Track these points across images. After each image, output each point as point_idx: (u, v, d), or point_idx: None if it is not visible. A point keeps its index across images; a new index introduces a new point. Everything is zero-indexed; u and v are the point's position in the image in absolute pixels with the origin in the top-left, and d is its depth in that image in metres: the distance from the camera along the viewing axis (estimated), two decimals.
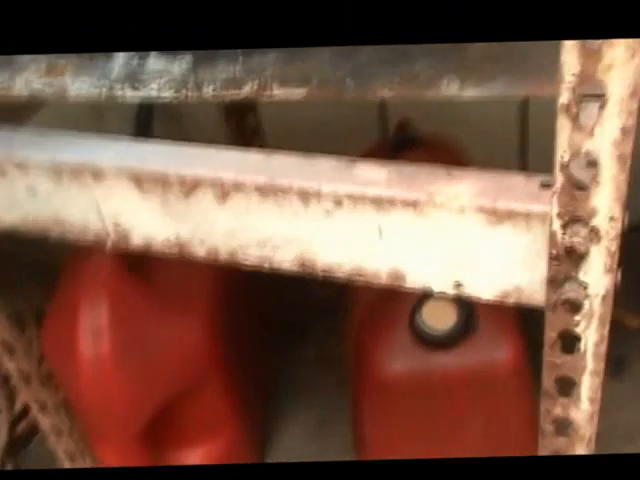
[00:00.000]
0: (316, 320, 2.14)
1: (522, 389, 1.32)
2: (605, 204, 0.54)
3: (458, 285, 0.64)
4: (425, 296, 1.25)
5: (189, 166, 0.67)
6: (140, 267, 1.40)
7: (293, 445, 1.82)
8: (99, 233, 0.75)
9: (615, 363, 1.88)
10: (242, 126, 1.71)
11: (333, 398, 1.92)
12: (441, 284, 0.65)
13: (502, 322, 1.29)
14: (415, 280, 0.65)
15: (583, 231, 0.55)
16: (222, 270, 1.56)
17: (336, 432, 1.83)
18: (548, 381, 0.67)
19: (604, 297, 0.59)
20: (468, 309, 1.23)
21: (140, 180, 0.69)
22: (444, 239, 0.61)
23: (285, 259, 0.69)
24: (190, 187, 0.67)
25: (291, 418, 1.89)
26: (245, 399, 1.65)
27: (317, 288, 2.22)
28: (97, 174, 0.70)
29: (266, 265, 0.70)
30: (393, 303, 1.31)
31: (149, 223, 0.72)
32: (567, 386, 0.67)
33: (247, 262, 0.71)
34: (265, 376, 1.88)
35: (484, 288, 0.63)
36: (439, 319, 1.23)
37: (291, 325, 2.08)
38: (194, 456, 1.57)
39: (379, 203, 0.61)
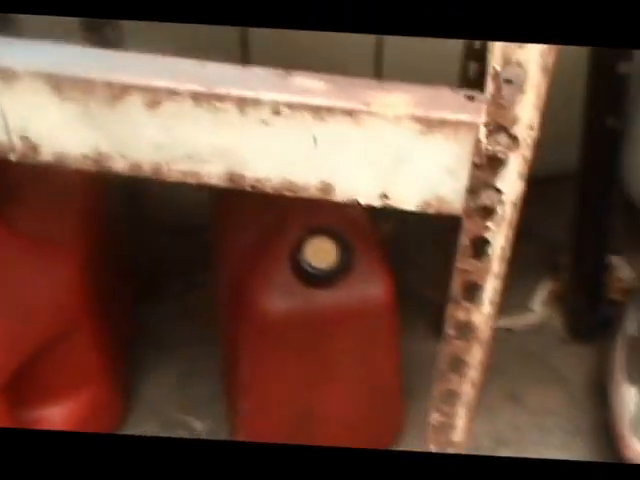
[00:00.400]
0: (175, 275, 2.12)
1: (392, 324, 1.41)
2: (526, 113, 0.60)
3: (384, 197, 0.68)
4: (305, 235, 1.28)
5: (117, 71, 0.64)
6: (3, 208, 1.30)
7: (157, 397, 1.80)
8: (1, 146, 0.70)
9: None
10: (101, 38, 1.59)
11: (195, 351, 1.92)
12: (368, 196, 0.68)
13: (375, 259, 1.36)
14: (343, 192, 0.68)
15: (504, 139, 0.61)
16: (90, 217, 1.50)
17: (200, 382, 1.84)
18: (456, 287, 0.74)
19: (515, 203, 0.66)
20: (347, 247, 1.28)
21: (59, 85, 0.64)
22: (376, 150, 0.65)
23: (213, 173, 0.69)
24: (118, 93, 0.64)
25: (154, 371, 1.86)
26: (110, 351, 1.60)
27: (174, 243, 2.19)
28: (6, 77, 0.65)
29: (191, 180, 0.70)
30: (272, 243, 1.33)
31: (64, 135, 0.68)
32: (472, 291, 0.74)
33: (171, 177, 0.69)
34: (126, 329, 1.83)
35: (408, 199, 0.68)
36: (321, 257, 1.27)
37: (150, 279, 2.04)
38: (59, 410, 1.50)
39: (317, 112, 0.63)
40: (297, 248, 1.27)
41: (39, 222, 1.36)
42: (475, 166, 0.63)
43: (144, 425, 1.71)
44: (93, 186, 1.53)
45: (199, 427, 1.73)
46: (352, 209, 1.39)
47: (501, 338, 1.97)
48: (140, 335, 1.93)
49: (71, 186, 1.39)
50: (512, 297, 2.13)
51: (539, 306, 1.97)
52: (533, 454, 1.66)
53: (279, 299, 1.29)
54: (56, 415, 1.49)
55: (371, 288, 1.32)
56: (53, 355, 1.38)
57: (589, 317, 1.92)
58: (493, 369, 1.79)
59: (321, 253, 1.27)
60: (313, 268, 1.27)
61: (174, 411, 1.78)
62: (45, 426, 1.47)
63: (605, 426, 1.70)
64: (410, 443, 1.64)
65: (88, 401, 1.53)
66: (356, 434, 1.52)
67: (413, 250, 2.08)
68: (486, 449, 1.64)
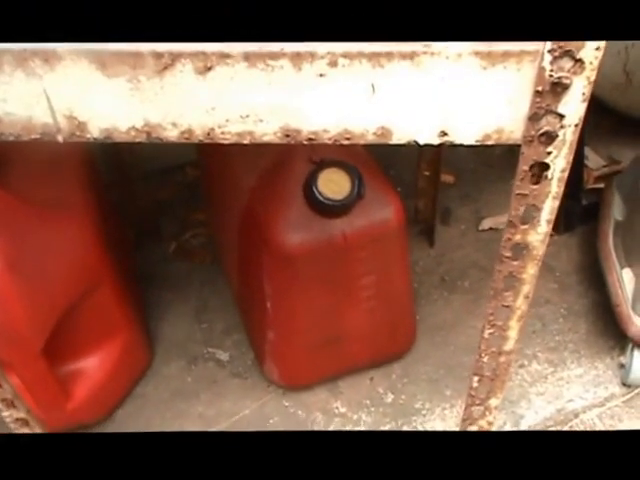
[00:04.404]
0: (166, 217, 2.07)
1: (403, 243, 1.40)
2: None
3: (443, 134, 0.64)
4: (316, 168, 1.24)
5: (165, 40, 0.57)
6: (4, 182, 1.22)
7: (177, 335, 1.79)
8: (47, 128, 0.63)
9: (442, 214, 2.06)
10: None
11: (203, 287, 1.90)
12: (427, 136, 0.65)
13: (383, 185, 1.33)
14: (402, 135, 0.64)
15: (569, 64, 0.58)
16: (87, 179, 1.43)
17: (215, 316, 1.83)
18: (514, 212, 0.72)
19: (577, 125, 0.63)
20: (357, 176, 1.25)
21: (104, 61, 0.58)
22: (436, 90, 0.61)
23: (268, 131, 0.64)
24: (167, 62, 0.58)
25: (169, 311, 1.84)
26: (130, 298, 1.58)
27: (160, 187, 2.12)
28: (48, 58, 0.58)
29: (245, 141, 0.65)
30: (284, 179, 1.29)
31: (111, 110, 0.62)
32: (529, 213, 0.72)
33: (225, 140, 0.65)
34: (135, 275, 1.79)
35: (467, 134, 0.64)
36: (334, 188, 1.23)
37: (145, 223, 1.99)
38: (93, 361, 1.48)
39: (376, 58, 0.58)
40: (310, 182, 1.23)
41: (41, 190, 1.29)
42: (537, 93, 0.60)
43: (171, 363, 1.71)
44: (80, 148, 1.45)
45: (224, 357, 1.74)
46: None
47: (488, 238, 2.00)
48: (148, 278, 1.89)
49: (60, 151, 1.31)
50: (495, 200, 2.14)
51: None
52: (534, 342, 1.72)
53: (299, 232, 1.26)
54: (91, 366, 1.47)
55: (384, 212, 1.30)
56: (83, 311, 1.35)
57: (573, 208, 1.94)
58: None
59: (333, 184, 1.24)
60: (328, 199, 1.24)
61: (191, 343, 1.78)
62: (83, 377, 1.46)
63: (600, 307, 1.76)
64: (424, 349, 1.68)
65: (119, 348, 1.52)
66: (378, 348, 1.54)
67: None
68: None
